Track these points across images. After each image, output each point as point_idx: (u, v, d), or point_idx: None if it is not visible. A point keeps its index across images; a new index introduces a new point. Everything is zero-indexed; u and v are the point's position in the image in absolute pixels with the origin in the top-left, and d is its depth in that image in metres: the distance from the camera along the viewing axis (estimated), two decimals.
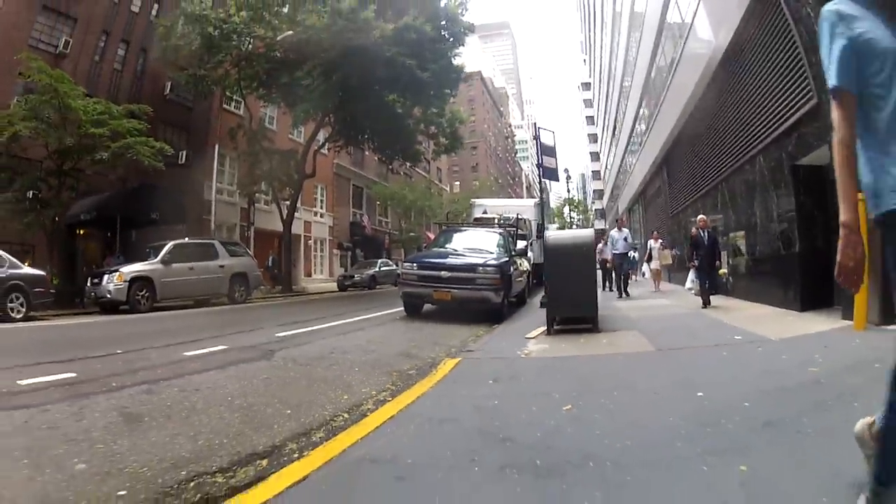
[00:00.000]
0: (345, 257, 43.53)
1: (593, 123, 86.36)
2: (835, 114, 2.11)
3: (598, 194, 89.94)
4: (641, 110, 30.00)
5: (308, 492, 2.83)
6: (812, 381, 4.63)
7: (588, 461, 3.03)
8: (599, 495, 2.60)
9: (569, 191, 58.53)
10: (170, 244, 17.63)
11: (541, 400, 4.51)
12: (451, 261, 11.71)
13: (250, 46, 24.64)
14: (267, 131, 28.97)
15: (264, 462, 3.29)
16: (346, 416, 4.30)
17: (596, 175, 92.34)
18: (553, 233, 11.16)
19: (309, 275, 37.81)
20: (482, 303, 10.97)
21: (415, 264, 12.00)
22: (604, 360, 6.39)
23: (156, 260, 16.93)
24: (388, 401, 4.71)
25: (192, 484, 2.95)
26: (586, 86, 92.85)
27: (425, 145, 32.55)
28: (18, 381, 5.49)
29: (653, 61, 24.05)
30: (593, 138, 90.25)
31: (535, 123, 25.35)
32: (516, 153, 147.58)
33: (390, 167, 32.10)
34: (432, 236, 32.35)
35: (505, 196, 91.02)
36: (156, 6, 28.02)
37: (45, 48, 22.64)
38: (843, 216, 1.98)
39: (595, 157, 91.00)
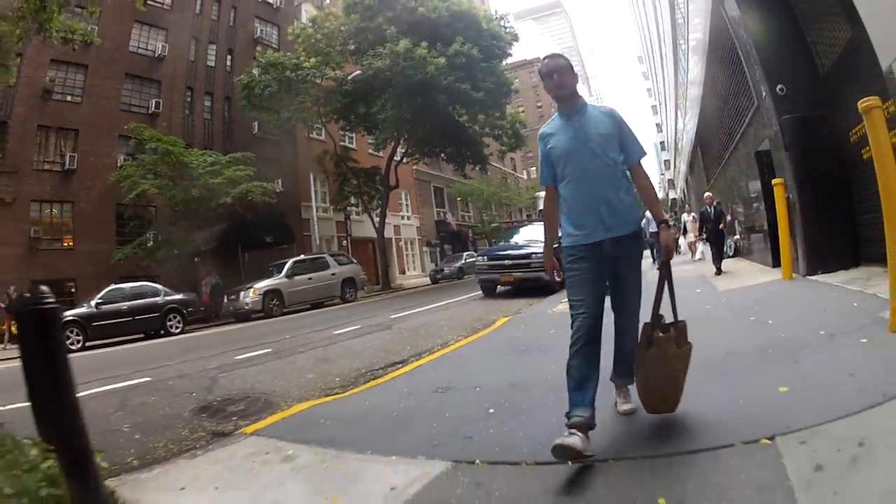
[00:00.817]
0: (434, 253, 47.45)
1: (652, 95, 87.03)
2: (545, 198, 3.94)
3: (667, 164, 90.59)
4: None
5: (424, 368, 6.70)
6: (706, 310, 8.10)
7: (545, 349, 6.77)
8: (539, 360, 6.29)
9: None
10: (290, 261, 22.37)
11: (543, 331, 8.30)
12: (511, 251, 15.76)
13: (323, 85, 28.64)
14: (350, 151, 33.15)
15: (400, 363, 7.20)
16: (439, 346, 8.17)
17: (663, 146, 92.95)
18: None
19: (403, 272, 42.09)
20: (536, 281, 14.76)
21: (486, 256, 16.48)
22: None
23: (281, 275, 21.52)
24: (463, 339, 8.54)
25: (366, 373, 6.88)
26: (642, 60, 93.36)
27: (492, 145, 35.65)
28: (236, 357, 9.66)
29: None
30: (655, 110, 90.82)
31: None
32: None
33: (463, 173, 35.59)
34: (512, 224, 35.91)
35: None
36: (229, 58, 32.65)
37: (138, 110, 27.32)
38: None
39: (659, 128, 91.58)
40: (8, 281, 19.30)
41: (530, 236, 16.92)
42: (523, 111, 49.29)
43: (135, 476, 3.80)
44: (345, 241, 34.61)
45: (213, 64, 31.83)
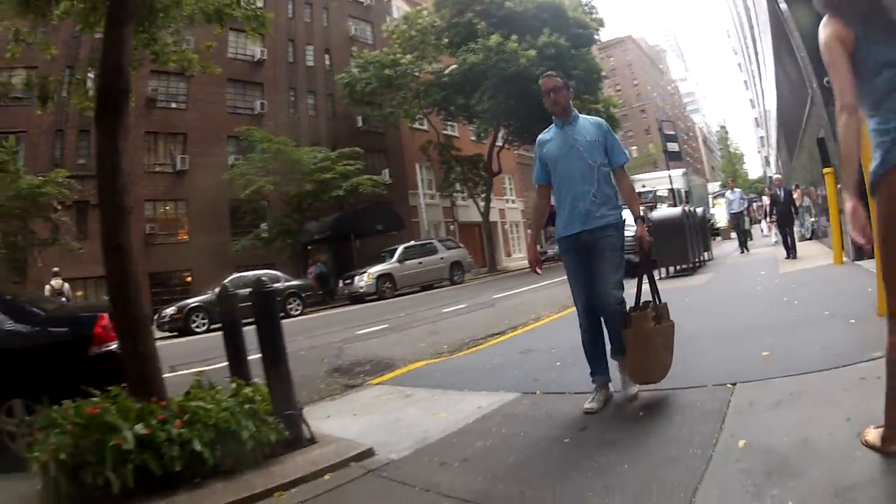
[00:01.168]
0: (539, 235, 48.91)
1: (743, 71, 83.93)
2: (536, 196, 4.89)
3: (762, 142, 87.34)
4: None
5: (517, 337, 8.32)
6: (755, 290, 9.27)
7: None
8: None
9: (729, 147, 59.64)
10: (401, 247, 24.56)
11: None
12: None
13: (421, 79, 30.52)
14: (452, 139, 34.94)
15: (498, 334, 8.81)
16: (533, 320, 9.74)
17: (757, 123, 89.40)
18: (655, 212, 15.43)
19: (509, 255, 43.72)
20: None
21: None
22: (673, 292, 11.00)
23: (393, 260, 23.68)
24: (553, 315, 10.04)
25: (469, 342, 8.54)
26: (730, 35, 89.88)
27: None
28: (356, 332, 11.56)
29: None
30: (746, 85, 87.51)
31: (658, 119, 28.63)
32: (685, 107, 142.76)
33: None
34: None
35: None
36: (327, 57, 34.98)
37: (244, 112, 30.07)
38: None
39: (752, 104, 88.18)
40: None
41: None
42: (620, 89, 49.62)
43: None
44: (452, 226, 36.60)
45: (312, 64, 34.28)
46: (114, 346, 5.11)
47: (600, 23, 30.97)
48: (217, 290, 19.13)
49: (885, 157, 2.24)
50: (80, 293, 22.98)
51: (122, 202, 4.48)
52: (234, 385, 4.28)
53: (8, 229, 19.89)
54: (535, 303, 12.42)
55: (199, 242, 27.35)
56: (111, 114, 4.42)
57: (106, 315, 5.28)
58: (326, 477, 3.62)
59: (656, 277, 11.99)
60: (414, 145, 35.30)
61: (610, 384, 4.41)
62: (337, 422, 4.92)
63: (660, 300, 4.37)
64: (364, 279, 22.72)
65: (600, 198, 4.32)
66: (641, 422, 3.86)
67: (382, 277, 22.91)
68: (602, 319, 4.39)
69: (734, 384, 4.08)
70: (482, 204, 33.03)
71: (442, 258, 25.13)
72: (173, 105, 28.29)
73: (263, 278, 4.56)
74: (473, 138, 35.92)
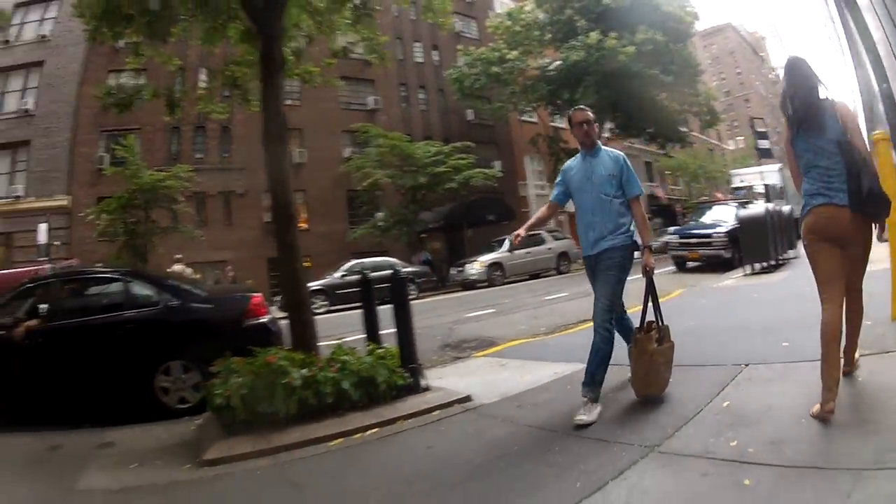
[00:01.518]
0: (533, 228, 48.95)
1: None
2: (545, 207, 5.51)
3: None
4: None
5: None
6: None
7: (686, 311, 9.51)
8: (678, 318, 8.91)
9: None
10: (509, 237, 25.33)
11: (697, 300, 10.80)
12: (697, 230, 17.86)
13: (527, 74, 31.60)
14: (560, 131, 35.84)
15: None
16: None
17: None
18: (743, 210, 15.83)
19: None
20: (717, 258, 16.50)
21: (677, 235, 18.59)
22: (748, 288, 11.74)
23: (503, 249, 24.92)
24: (638, 306, 11.12)
25: (563, 326, 9.85)
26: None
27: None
28: (465, 315, 13.08)
29: None
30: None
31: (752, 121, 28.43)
32: None
33: (664, 151, 37.22)
34: (720, 196, 36.80)
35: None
36: (435, 53, 36.61)
37: (358, 108, 31.87)
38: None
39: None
40: (244, 259, 25.76)
41: (717, 216, 18.48)
42: (724, 78, 49.03)
43: None
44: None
45: (421, 60, 35.92)
46: (262, 319, 6.96)
47: (695, 16, 31.26)
48: (337, 274, 21.49)
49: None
50: (198, 276, 25.93)
51: (290, 212, 6.25)
52: (370, 346, 5.88)
53: (131, 218, 22.71)
54: (627, 293, 13.31)
55: (317, 230, 29.40)
56: (276, 144, 6.17)
57: (258, 296, 7.09)
58: (435, 413, 5.17)
59: (740, 274, 12.86)
60: (523, 138, 36.48)
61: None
62: (446, 381, 6.39)
63: (662, 321, 5.05)
64: (475, 267, 24.29)
65: (610, 227, 4.90)
66: (675, 384, 5.05)
67: (493, 265, 24.37)
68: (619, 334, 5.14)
69: (746, 365, 5.16)
70: None
71: (549, 248, 26.34)
72: (289, 102, 30.41)
73: (394, 266, 6.23)
74: None
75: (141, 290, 7.17)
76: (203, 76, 20.59)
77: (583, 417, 4.47)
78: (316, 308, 19.67)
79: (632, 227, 5.00)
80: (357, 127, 29.20)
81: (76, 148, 27.18)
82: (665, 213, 50.61)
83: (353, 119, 28.94)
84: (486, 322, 11.83)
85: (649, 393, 4.80)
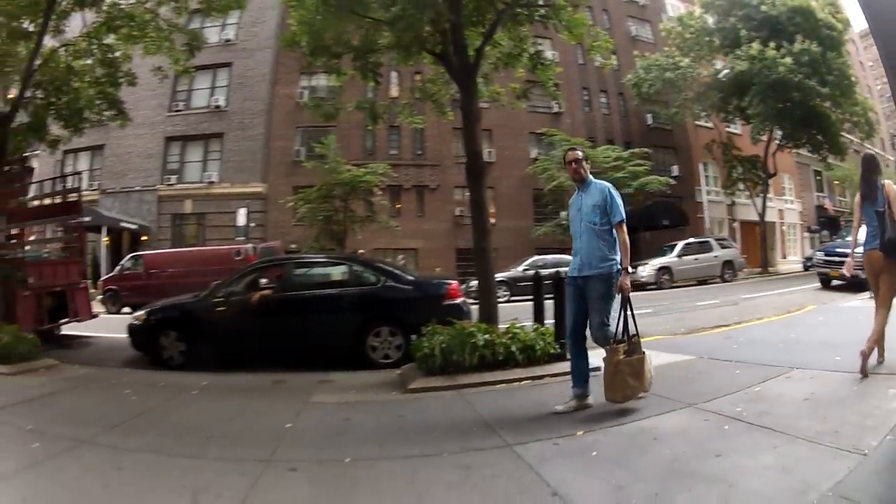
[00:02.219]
0: (814, 239, 47.71)
1: None
2: None
3: None
4: None
5: (732, 330, 11.41)
6: None
7: (804, 324, 11.49)
8: (797, 330, 10.88)
9: None
10: (681, 243, 27.61)
11: (822, 317, 11.98)
12: (840, 249, 18.01)
13: (699, 81, 33.01)
14: (735, 138, 36.40)
15: (724, 326, 11.87)
16: (756, 319, 12.43)
17: None
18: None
19: (784, 257, 43.76)
20: (855, 277, 17.00)
21: (822, 252, 19.67)
22: (868, 310, 12.32)
23: (672, 254, 26.87)
24: (773, 316, 12.63)
25: (700, 328, 11.66)
26: None
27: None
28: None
29: None
30: None
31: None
32: None
33: (826, 162, 37.04)
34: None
35: None
36: (613, 57, 37.66)
37: (543, 111, 33.79)
38: None
39: None
40: (435, 248, 29.85)
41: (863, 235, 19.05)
42: (879, 86, 47.12)
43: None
44: (734, 224, 38.25)
45: (598, 63, 37.17)
46: (457, 301, 9.56)
47: (847, 22, 30.96)
48: (519, 268, 24.07)
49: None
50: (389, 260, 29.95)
51: (486, 228, 9.11)
52: (535, 325, 8.33)
53: (331, 208, 26.69)
54: (769, 305, 14.93)
55: (503, 225, 32.01)
56: (476, 179, 8.86)
57: (455, 284, 9.77)
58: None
59: (867, 296, 13.98)
60: (700, 143, 37.55)
61: (589, 398, 6.04)
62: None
63: (637, 336, 6.06)
64: (646, 270, 26.12)
65: (594, 256, 5.97)
66: (737, 375, 7.06)
67: (662, 269, 26.15)
68: (583, 345, 6.25)
69: (793, 368, 6.84)
70: (760, 204, 34.56)
71: (716, 256, 27.55)
72: (484, 105, 33.48)
73: (561, 268, 8.72)
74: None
75: (363, 271, 10.13)
76: (395, 87, 24.12)
77: (559, 407, 5.90)
78: (498, 297, 22.25)
79: (615, 255, 5.97)
80: (543, 130, 32.04)
81: (272, 142, 32.01)
82: (831, 225, 49.21)
83: (539, 122, 31.46)
84: (640, 320, 13.66)
85: (613, 398, 5.81)
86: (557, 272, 8.64)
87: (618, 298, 5.92)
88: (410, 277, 10.35)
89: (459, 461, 4.58)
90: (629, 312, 6.00)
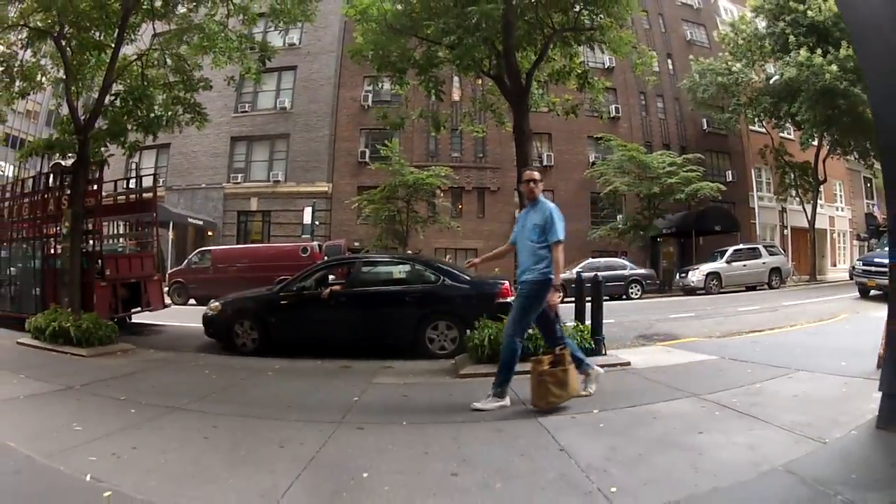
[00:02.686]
0: (863, 247, 47.00)
1: None
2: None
3: None
4: None
5: (762, 335, 12.00)
6: None
7: (828, 334, 12.58)
8: (819, 339, 11.76)
9: None
10: (731, 249, 28.13)
11: (850, 327, 12.58)
12: (878, 259, 18.06)
13: (752, 86, 33.25)
14: (788, 143, 36.22)
15: (758, 331, 12.54)
16: (789, 325, 13.21)
17: None
18: None
19: (834, 265, 43.46)
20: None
21: (861, 262, 19.98)
22: None
23: (721, 260, 27.45)
24: (804, 324, 13.33)
25: (733, 333, 12.48)
26: None
27: None
28: (669, 315, 15.87)
29: None
30: None
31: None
32: None
33: (872, 168, 36.82)
34: None
35: None
36: (669, 62, 38.59)
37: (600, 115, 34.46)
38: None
39: None
40: (494, 248, 28.79)
41: None
42: None
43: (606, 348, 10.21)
44: (785, 231, 38.31)
45: (656, 68, 37.68)
46: (508, 299, 10.48)
47: None
48: (573, 270, 25.01)
49: None
50: (449, 259, 31.23)
51: None
52: (576, 322, 9.27)
53: (394, 209, 28.09)
54: (805, 313, 15.46)
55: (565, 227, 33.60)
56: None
57: (506, 283, 10.78)
58: (605, 368, 8.14)
59: None
60: (753, 148, 37.82)
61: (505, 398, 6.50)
62: (623, 355, 9.39)
63: (565, 347, 6.51)
64: (696, 275, 26.84)
65: (528, 265, 6.59)
66: (753, 365, 8.06)
67: (710, 275, 26.66)
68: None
69: (799, 370, 7.54)
70: (811, 211, 34.63)
71: (764, 263, 27.92)
72: (544, 109, 34.27)
73: (600, 272, 9.65)
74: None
75: (423, 270, 11.25)
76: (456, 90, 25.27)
77: (476, 405, 6.36)
78: None
79: (548, 267, 6.49)
80: (601, 136, 32.70)
81: (336, 143, 33.52)
82: (880, 233, 48.32)
83: (596, 126, 31.85)
84: (682, 323, 14.69)
85: (536, 404, 6.25)
86: (596, 275, 9.61)
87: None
88: (467, 277, 11.29)
89: (493, 426, 5.69)
90: (559, 325, 6.83)
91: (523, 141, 10.19)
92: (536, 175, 6.93)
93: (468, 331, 9.11)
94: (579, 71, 11.81)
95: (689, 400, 6.43)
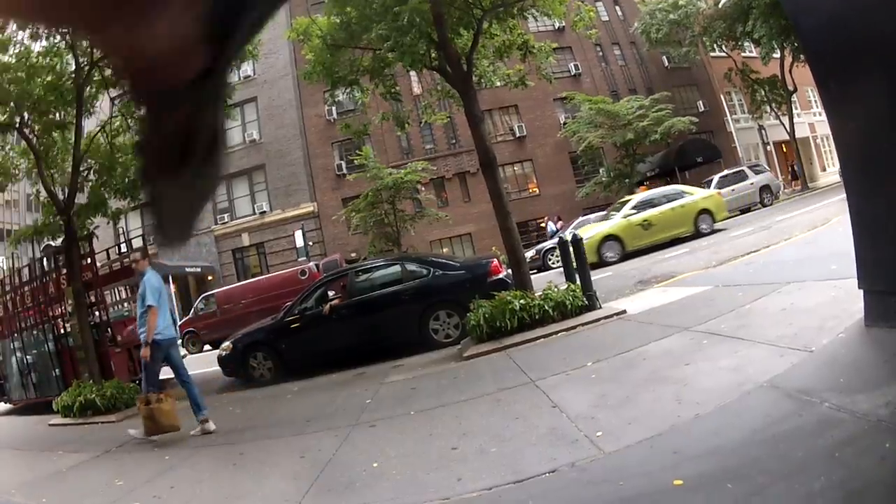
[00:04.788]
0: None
1: None
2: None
3: None
4: None
5: (759, 256, 12.72)
6: None
7: (812, 242, 12.47)
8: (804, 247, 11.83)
9: None
10: (716, 177, 28.00)
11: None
12: None
13: (704, 14, 33.18)
14: (750, 62, 35.91)
15: (754, 252, 13.03)
16: (784, 240, 13.65)
17: None
18: None
19: (824, 169, 43.60)
20: None
21: None
22: None
23: (710, 190, 27.04)
24: (798, 234, 13.82)
25: (728, 259, 12.84)
26: None
27: None
28: (665, 256, 16.20)
29: None
30: None
31: None
32: None
33: None
34: None
35: None
36: (618, 9, 39.07)
37: (561, 75, 34.33)
38: None
39: None
40: (485, 229, 30.30)
41: None
42: None
43: (605, 301, 10.59)
44: (768, 147, 38.46)
45: (606, 18, 38.27)
46: (499, 276, 10.91)
47: None
48: (567, 232, 25.19)
49: None
50: (445, 249, 32.07)
51: (505, 210, 10.34)
52: (568, 284, 9.63)
53: (380, 213, 28.40)
54: (798, 225, 15.63)
55: (548, 192, 34.78)
56: (490, 170, 10.20)
57: (494, 260, 11.16)
58: (601, 321, 8.72)
59: None
60: (719, 75, 37.82)
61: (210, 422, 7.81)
62: (620, 304, 9.83)
63: (156, 390, 7.80)
64: None
65: (141, 326, 7.94)
66: (745, 288, 8.41)
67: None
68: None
69: (789, 283, 7.63)
70: (789, 122, 34.64)
71: (752, 183, 27.87)
72: (499, 83, 34.60)
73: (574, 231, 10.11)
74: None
75: (413, 267, 11.58)
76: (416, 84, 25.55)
77: (131, 430, 7.97)
78: (551, 263, 23.99)
79: (143, 328, 7.92)
80: (565, 95, 33.12)
81: (312, 162, 33.88)
82: None
83: (560, 86, 31.97)
84: (678, 260, 14.99)
85: (143, 434, 7.66)
86: (574, 235, 9.97)
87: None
88: (456, 263, 11.79)
89: (493, 398, 6.09)
90: (156, 369, 8.07)
91: (476, 124, 10.59)
92: (138, 255, 8.52)
93: (468, 314, 9.46)
94: (519, 42, 12.09)
95: (678, 335, 6.73)
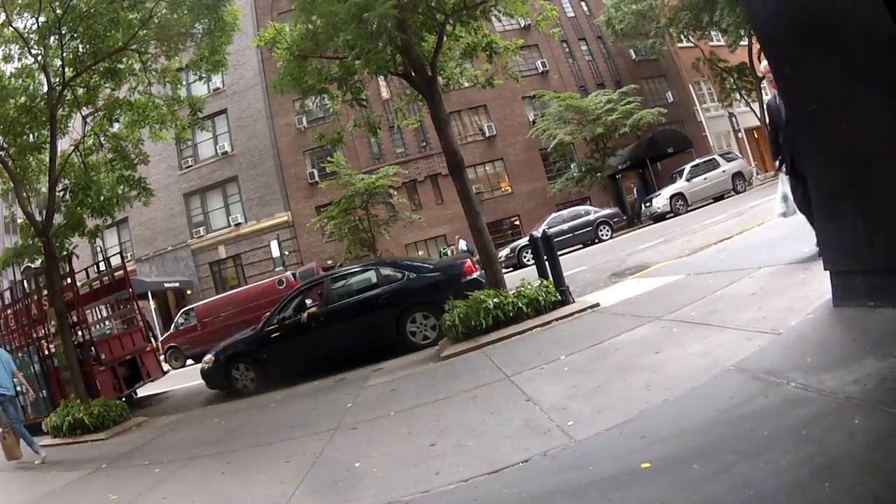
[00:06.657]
0: None
1: None
2: None
3: None
4: None
5: (733, 243, 12.92)
6: None
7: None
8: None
9: None
10: (688, 167, 28.50)
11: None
12: None
13: (669, 5, 33.56)
14: (717, 51, 36.38)
15: (727, 239, 13.23)
16: (757, 225, 13.86)
17: None
18: None
19: None
20: None
21: None
22: None
23: (682, 180, 27.89)
24: (769, 220, 14.02)
25: (702, 247, 13.10)
26: None
27: None
28: (639, 247, 16.40)
29: None
30: None
31: None
32: None
33: None
34: None
35: None
36: (583, 4, 39.48)
37: (529, 73, 34.81)
38: None
39: None
40: (460, 230, 29.64)
41: None
42: None
43: (580, 295, 10.84)
44: (739, 134, 38.95)
45: (572, 14, 38.75)
46: (473, 276, 11.09)
47: None
48: (539, 229, 25.39)
49: None
50: (421, 252, 32.40)
51: (475, 210, 10.49)
52: (541, 280, 9.82)
53: (354, 219, 28.55)
54: (771, 210, 15.31)
55: (521, 190, 35.02)
56: (458, 172, 10.36)
57: (468, 261, 11.34)
58: (575, 315, 8.91)
59: None
60: (686, 64, 38.27)
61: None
62: (592, 297, 10.09)
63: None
64: (660, 200, 27.50)
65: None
66: (717, 274, 8.64)
67: (675, 196, 27.24)
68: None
69: (761, 268, 7.71)
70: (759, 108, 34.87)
71: (724, 171, 28.28)
72: (467, 84, 34.71)
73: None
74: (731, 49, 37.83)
75: (388, 272, 11.71)
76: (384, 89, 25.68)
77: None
78: (526, 261, 24.02)
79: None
80: (533, 93, 33.46)
81: (284, 171, 33.92)
82: None
83: (529, 85, 32.16)
84: (652, 251, 15.24)
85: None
86: (544, 231, 10.19)
87: None
88: (430, 266, 11.95)
89: (470, 395, 6.31)
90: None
91: (442, 127, 10.75)
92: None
93: (444, 315, 9.67)
94: (484, 44, 12.24)
95: (650, 325, 6.91)
